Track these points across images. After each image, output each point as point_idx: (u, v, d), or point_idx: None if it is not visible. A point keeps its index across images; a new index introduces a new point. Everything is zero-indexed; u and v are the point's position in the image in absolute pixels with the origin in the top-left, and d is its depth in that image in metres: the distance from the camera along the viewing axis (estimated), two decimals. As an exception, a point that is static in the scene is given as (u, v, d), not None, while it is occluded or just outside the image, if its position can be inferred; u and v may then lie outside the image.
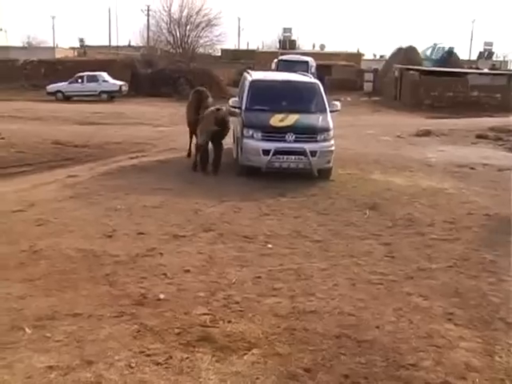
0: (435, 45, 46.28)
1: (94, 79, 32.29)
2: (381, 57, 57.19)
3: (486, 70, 39.39)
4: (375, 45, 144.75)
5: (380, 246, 7.08)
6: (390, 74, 38.22)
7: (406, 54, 41.18)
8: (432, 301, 5.44)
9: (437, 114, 27.67)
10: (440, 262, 6.55)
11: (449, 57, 43.27)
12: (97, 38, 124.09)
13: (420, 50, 45.12)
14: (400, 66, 35.96)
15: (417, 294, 5.57)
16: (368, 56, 56.26)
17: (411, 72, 33.74)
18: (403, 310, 5.20)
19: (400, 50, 43.07)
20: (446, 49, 44.91)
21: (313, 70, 26.29)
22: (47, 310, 4.94)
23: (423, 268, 6.33)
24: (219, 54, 51.00)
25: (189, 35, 47.23)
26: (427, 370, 4.20)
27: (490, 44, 55.61)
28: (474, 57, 56.82)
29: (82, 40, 58.37)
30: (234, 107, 11.38)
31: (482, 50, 55.91)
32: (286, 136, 10.36)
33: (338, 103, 11.78)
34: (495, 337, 4.76)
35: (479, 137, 18.38)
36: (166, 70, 36.88)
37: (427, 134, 18.53)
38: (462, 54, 52.45)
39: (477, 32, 65.69)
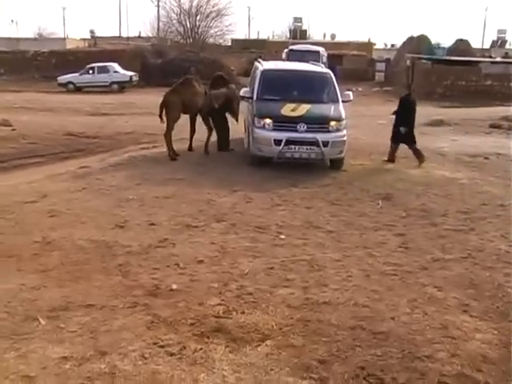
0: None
1: (104, 70, 32.28)
2: (392, 46, 56.77)
3: (499, 59, 38.94)
4: (386, 34, 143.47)
5: (394, 236, 7.02)
6: (401, 63, 37.84)
7: (418, 43, 40.75)
8: (447, 292, 5.39)
9: (449, 103, 27.41)
10: (454, 252, 6.49)
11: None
12: (107, 29, 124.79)
13: (432, 38, 44.65)
14: (412, 55, 35.61)
15: (431, 285, 5.53)
16: (379, 45, 55.94)
17: (423, 61, 33.40)
18: (418, 302, 5.16)
19: (411, 38, 42.62)
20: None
21: (324, 59, 26.05)
22: (61, 301, 4.95)
23: (437, 259, 6.28)
24: (229, 43, 50.86)
25: (199, 25, 47.26)
26: (443, 361, 4.16)
27: (504, 32, 55.05)
28: (487, 45, 56.25)
29: (92, 31, 58.42)
30: (245, 97, 11.37)
31: (495, 38, 55.37)
32: (298, 126, 10.28)
33: (350, 93, 11.70)
34: (511, 328, 4.71)
35: (492, 126, 18.19)
36: (176, 60, 36.77)
37: (439, 123, 18.36)
38: (475, 43, 51.98)
39: (490, 20, 65.16)
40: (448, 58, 35.79)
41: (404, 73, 35.83)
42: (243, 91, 11.51)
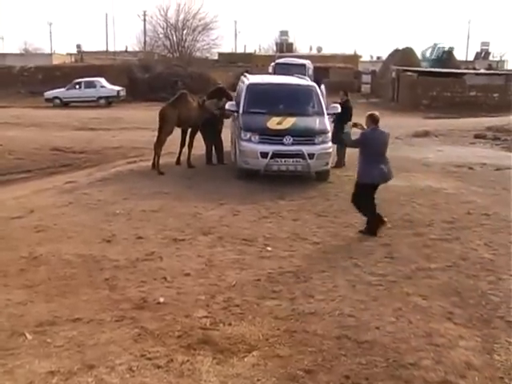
0: (435, 45, 46.43)
1: (91, 85, 32.35)
2: (378, 58, 57.37)
3: (482, 70, 39.49)
4: (372, 46, 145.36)
5: (379, 246, 7.08)
6: (387, 75, 38.27)
7: (403, 55, 41.23)
8: (431, 300, 5.45)
9: (434, 114, 27.73)
10: (439, 261, 6.56)
11: (447, 56, 43.35)
12: (94, 44, 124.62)
13: (418, 50, 45.30)
14: (397, 67, 36.03)
15: (416, 294, 5.58)
16: (365, 58, 56.46)
17: (408, 73, 33.81)
18: (403, 310, 5.21)
19: (397, 51, 43.12)
20: (446, 49, 45.03)
21: (310, 72, 26.19)
22: (47, 316, 4.95)
23: (422, 268, 6.34)
24: (216, 57, 51.10)
25: (185, 39, 47.53)
26: (427, 369, 4.21)
27: (487, 44, 55.89)
28: (471, 57, 57.04)
29: (79, 46, 58.53)
30: (231, 110, 11.46)
31: (478, 50, 56.16)
32: (284, 139, 10.37)
33: (337, 106, 11.78)
34: (494, 335, 4.78)
35: (477, 137, 18.43)
36: (163, 75, 36.90)
37: (425, 134, 18.59)
38: (459, 55, 52.68)
39: (473, 32, 66.31)
40: (433, 69, 36.25)
41: (390, 85, 36.26)
42: (229, 104, 11.59)
